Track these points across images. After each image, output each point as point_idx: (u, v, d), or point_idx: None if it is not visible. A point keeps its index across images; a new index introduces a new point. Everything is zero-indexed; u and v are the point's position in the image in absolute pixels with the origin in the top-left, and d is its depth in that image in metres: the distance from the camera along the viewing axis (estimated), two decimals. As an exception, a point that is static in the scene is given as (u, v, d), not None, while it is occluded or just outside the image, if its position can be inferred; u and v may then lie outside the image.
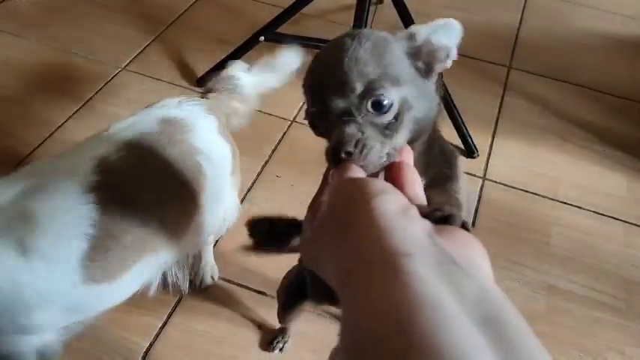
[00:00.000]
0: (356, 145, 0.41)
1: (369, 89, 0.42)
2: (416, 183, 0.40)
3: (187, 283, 1.09)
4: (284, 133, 1.50)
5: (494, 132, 1.58)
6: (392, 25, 1.63)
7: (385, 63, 0.44)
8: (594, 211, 1.39)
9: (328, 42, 0.48)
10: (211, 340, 1.10)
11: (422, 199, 0.39)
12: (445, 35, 0.48)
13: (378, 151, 0.42)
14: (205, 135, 0.95)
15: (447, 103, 1.47)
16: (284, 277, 0.90)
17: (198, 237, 1.00)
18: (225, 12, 1.92)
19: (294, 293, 0.85)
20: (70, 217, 0.79)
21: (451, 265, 0.30)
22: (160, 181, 0.89)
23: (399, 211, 0.33)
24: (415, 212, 0.34)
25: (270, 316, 1.13)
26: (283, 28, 1.57)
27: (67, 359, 1.05)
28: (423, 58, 0.47)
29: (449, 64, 0.48)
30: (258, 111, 1.55)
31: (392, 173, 0.41)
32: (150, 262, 0.89)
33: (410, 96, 0.44)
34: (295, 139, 1.49)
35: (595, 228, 1.35)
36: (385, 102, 0.43)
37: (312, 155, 1.58)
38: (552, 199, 1.41)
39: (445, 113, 1.47)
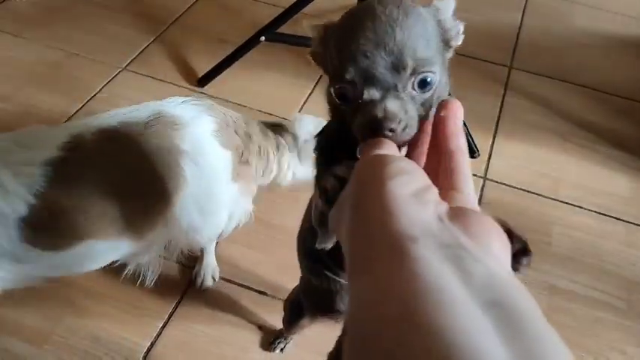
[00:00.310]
0: (399, 123, 0.40)
1: (419, 66, 0.41)
2: (459, 135, 0.41)
3: (154, 277, 1.11)
4: (284, 133, 1.50)
5: (495, 132, 1.57)
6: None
7: (428, 38, 0.43)
8: (596, 211, 1.38)
9: (364, 5, 0.45)
10: (212, 341, 1.10)
11: (464, 149, 0.40)
12: (450, 10, 0.47)
13: (414, 130, 0.42)
14: (196, 137, 0.94)
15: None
16: (292, 291, 0.90)
17: (172, 235, 1.01)
18: (225, 12, 1.92)
19: (297, 309, 0.85)
20: (19, 180, 0.82)
21: (459, 249, 0.30)
22: (128, 172, 0.89)
23: (412, 194, 0.33)
24: (432, 195, 0.34)
25: (270, 316, 1.13)
26: (284, 28, 1.57)
27: (67, 359, 1.05)
28: (443, 35, 0.46)
29: (460, 40, 0.47)
30: (259, 111, 1.56)
31: (438, 121, 0.41)
32: (105, 246, 0.90)
33: (440, 72, 0.43)
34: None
35: (596, 228, 1.35)
36: (429, 79, 0.42)
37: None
38: (553, 199, 1.40)
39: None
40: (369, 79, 0.41)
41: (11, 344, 1.06)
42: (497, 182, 1.43)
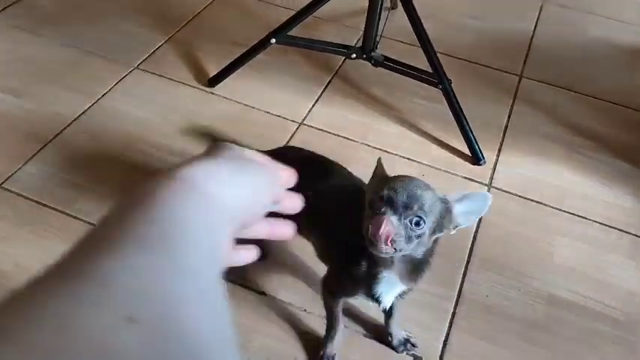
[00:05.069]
0: (391, 228, 0.71)
1: (418, 211, 0.71)
2: None
3: None
4: (292, 135, 1.52)
5: (502, 140, 1.57)
6: (403, 30, 1.64)
7: (432, 207, 0.73)
8: (599, 222, 1.38)
9: (402, 176, 0.77)
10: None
11: None
12: (470, 205, 0.76)
13: (398, 246, 0.72)
14: None
15: (455, 109, 1.47)
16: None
17: None
18: (238, 14, 1.94)
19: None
20: None
21: None
22: None
23: None
24: None
25: (270, 316, 1.14)
26: (295, 32, 1.58)
27: None
28: (443, 219, 0.75)
29: (452, 232, 0.77)
30: (267, 112, 1.58)
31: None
32: None
33: (428, 229, 0.74)
34: (303, 142, 1.50)
35: (599, 239, 1.34)
36: (420, 223, 0.72)
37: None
38: (557, 209, 1.40)
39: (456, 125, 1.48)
40: (389, 202, 0.72)
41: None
42: (501, 190, 1.43)
